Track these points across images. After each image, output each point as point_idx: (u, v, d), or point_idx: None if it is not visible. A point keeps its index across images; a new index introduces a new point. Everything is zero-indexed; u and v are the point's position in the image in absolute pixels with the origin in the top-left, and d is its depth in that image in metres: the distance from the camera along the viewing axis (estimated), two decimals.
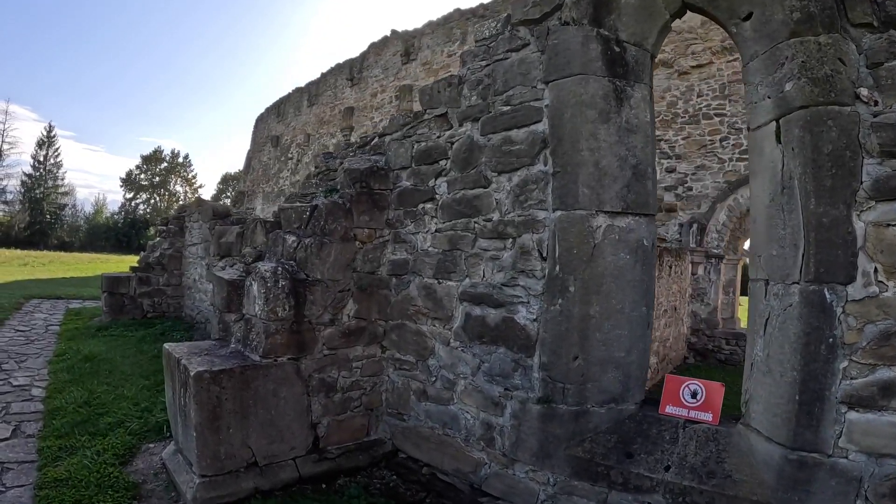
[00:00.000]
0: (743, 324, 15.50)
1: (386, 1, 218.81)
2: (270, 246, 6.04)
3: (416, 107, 19.30)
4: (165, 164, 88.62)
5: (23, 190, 70.07)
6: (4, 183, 69.32)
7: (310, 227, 5.75)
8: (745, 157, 13.77)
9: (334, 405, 5.78)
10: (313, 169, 7.86)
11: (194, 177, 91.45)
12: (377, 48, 23.59)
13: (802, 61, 3.65)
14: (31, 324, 12.76)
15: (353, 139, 22.28)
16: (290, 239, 5.72)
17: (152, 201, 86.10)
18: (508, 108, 5.00)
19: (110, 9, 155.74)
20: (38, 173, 72.09)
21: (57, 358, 9.39)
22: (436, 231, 5.77)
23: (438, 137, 5.79)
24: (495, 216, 5.13)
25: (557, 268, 4.57)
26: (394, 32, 22.74)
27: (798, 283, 3.64)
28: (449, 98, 5.66)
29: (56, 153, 74.57)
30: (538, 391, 4.68)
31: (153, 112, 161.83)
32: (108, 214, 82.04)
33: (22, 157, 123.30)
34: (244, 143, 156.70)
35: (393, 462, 6.04)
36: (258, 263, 5.64)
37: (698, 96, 14.94)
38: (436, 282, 5.74)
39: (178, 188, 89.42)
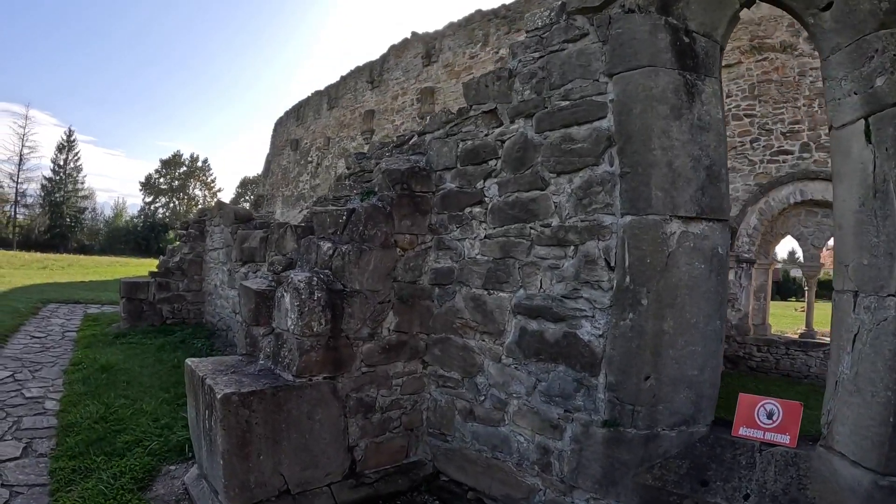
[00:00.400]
0: (774, 329, 15.14)
1: (404, 2, 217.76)
2: (302, 253, 5.57)
3: (439, 109, 18.77)
4: (185, 168, 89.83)
5: (43, 194, 71.32)
6: (25, 187, 70.53)
7: (346, 232, 5.30)
8: (776, 158, 13.48)
9: (373, 426, 5.31)
10: (344, 170, 7.41)
11: (213, 181, 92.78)
12: (397, 50, 23.20)
13: (895, 54, 3.24)
14: (47, 329, 12.40)
15: (373, 142, 21.98)
16: (325, 246, 5.24)
17: (171, 205, 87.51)
18: (567, 103, 4.55)
19: (128, 15, 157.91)
20: (58, 177, 73.21)
21: (73, 367, 8.97)
22: (485, 237, 5.29)
23: (486, 135, 5.34)
24: (554, 221, 4.65)
25: (628, 279, 4.10)
26: (414, 35, 22.36)
27: (894, 296, 3.21)
28: (498, 93, 5.20)
29: (76, 157, 75.84)
30: (603, 413, 4.23)
31: (172, 116, 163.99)
32: (128, 218, 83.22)
33: (42, 161, 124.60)
34: (263, 147, 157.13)
35: (434, 485, 5.58)
36: (290, 273, 5.15)
37: (727, 97, 14.39)
38: (485, 293, 5.25)
39: (198, 192, 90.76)
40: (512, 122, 5.07)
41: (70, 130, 78.41)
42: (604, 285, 4.27)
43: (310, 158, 29.89)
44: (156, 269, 13.36)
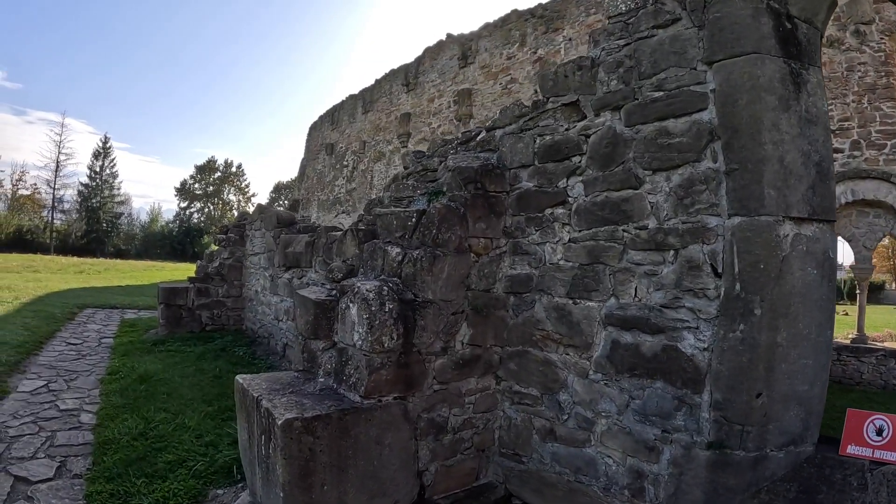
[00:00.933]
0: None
1: (438, 6, 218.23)
2: (366, 259, 5.08)
3: (476, 111, 18.76)
4: (219, 174, 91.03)
5: (79, 199, 72.64)
6: (62, 193, 71.70)
7: (417, 236, 4.81)
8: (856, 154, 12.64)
9: (443, 449, 4.80)
10: (401, 170, 6.92)
11: (247, 186, 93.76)
12: (432, 53, 22.76)
13: None
14: (83, 336, 12.02)
15: (410, 145, 22.13)
16: (394, 251, 4.75)
17: (206, 210, 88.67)
18: (661, 93, 4.14)
19: (163, 27, 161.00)
20: (94, 183, 74.40)
21: (109, 377, 8.53)
22: (570, 241, 4.77)
23: (567, 130, 4.87)
24: (651, 223, 4.18)
25: (738, 286, 3.67)
26: (449, 36, 21.91)
27: None
28: (580, 84, 4.74)
29: (112, 164, 76.89)
30: (708, 434, 3.80)
31: (206, 123, 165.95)
32: (164, 223, 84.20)
33: (78, 168, 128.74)
34: (295, 152, 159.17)
35: None
36: (356, 282, 4.62)
37: None
38: (570, 302, 4.73)
39: (232, 197, 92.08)
40: (597, 114, 4.63)
41: (106, 137, 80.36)
42: (709, 293, 3.84)
43: (345, 162, 29.55)
44: (193, 275, 12.96)
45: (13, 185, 70.63)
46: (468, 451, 5.03)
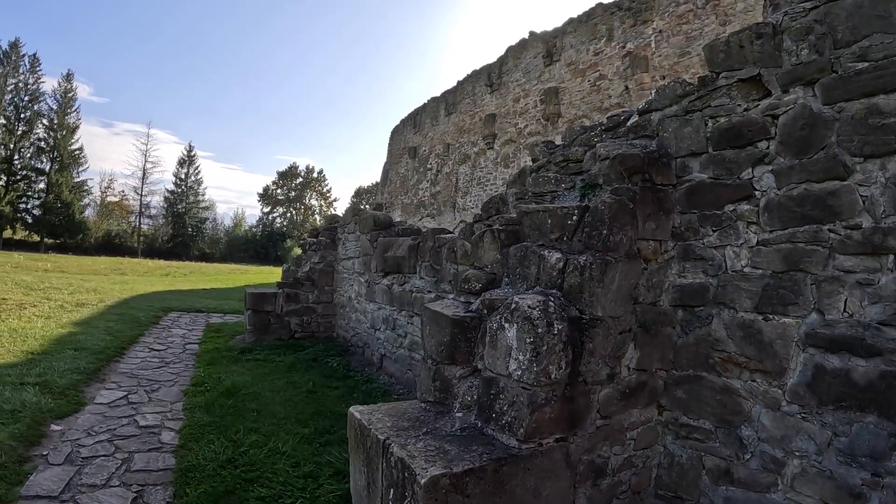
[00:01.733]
0: None
1: (517, 6, 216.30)
2: (514, 266, 4.26)
3: (565, 110, 17.86)
4: (300, 180, 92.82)
5: (165, 205, 76.26)
6: (148, 199, 76.00)
7: (579, 238, 3.99)
8: None
9: (601, 495, 3.98)
10: (529, 163, 6.11)
11: (328, 191, 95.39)
12: (515, 52, 21.96)
13: None
14: (167, 341, 11.56)
15: (496, 147, 21.70)
16: (553, 257, 3.92)
17: (288, 214, 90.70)
18: (866, 65, 3.44)
19: (242, 39, 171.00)
20: (179, 189, 77.62)
21: (194, 388, 7.91)
22: (758, 244, 3.90)
23: (747, 110, 4.04)
24: (865, 221, 3.42)
25: None
26: (532, 34, 21.08)
27: None
28: (760, 54, 3.93)
29: (196, 171, 79.91)
30: None
31: (287, 131, 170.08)
32: (247, 227, 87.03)
33: (164, 176, 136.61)
34: (376, 157, 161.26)
35: None
36: (512, 296, 3.79)
37: None
38: (759, 317, 3.86)
39: (314, 202, 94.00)
40: (785, 91, 3.84)
41: (190, 146, 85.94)
42: None
43: (429, 165, 29.07)
44: (279, 278, 12.42)
45: (102, 193, 74.92)
46: (624, 494, 4.19)
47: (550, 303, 3.54)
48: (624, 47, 16.43)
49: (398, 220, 27.25)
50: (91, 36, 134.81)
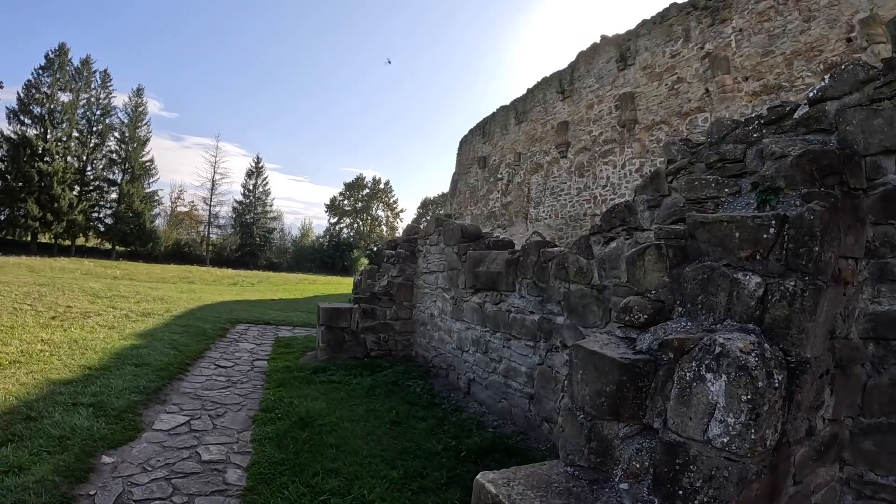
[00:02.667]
0: None
1: (589, 10, 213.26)
2: (695, 293, 3.30)
3: (641, 116, 17.61)
4: (367, 191, 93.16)
5: (234, 215, 77.42)
6: (217, 209, 77.42)
7: (777, 256, 3.08)
8: None
9: None
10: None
11: (395, 202, 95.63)
12: (587, 56, 21.15)
13: None
14: (234, 357, 10.84)
15: (569, 155, 21.10)
16: (751, 282, 2.98)
17: (355, 225, 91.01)
18: None
19: (307, 54, 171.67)
20: (248, 200, 78.59)
21: (263, 415, 7.07)
22: None
23: None
24: None
25: None
26: (604, 38, 20.36)
27: None
28: None
29: (264, 182, 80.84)
30: None
31: (352, 143, 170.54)
32: (314, 238, 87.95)
33: (232, 187, 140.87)
34: (442, 168, 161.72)
35: None
36: (718, 337, 2.76)
37: None
38: None
39: (380, 213, 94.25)
40: None
41: (258, 157, 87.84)
42: None
43: (499, 175, 28.23)
44: (348, 288, 11.67)
45: (172, 203, 77.11)
46: None
47: (766, 346, 2.60)
48: (702, 48, 15.71)
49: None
50: (160, 53, 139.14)
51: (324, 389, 8.40)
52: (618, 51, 19.11)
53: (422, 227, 11.49)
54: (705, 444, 2.63)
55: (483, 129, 30.78)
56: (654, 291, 3.60)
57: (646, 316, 3.38)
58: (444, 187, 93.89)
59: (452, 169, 37.26)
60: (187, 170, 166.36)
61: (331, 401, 7.75)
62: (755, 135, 4.14)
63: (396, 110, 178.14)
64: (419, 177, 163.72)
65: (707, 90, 15.14)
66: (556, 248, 6.57)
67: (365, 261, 76.97)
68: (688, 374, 2.76)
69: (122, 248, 62.37)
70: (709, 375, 2.66)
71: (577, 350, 3.36)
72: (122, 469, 5.27)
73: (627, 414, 3.01)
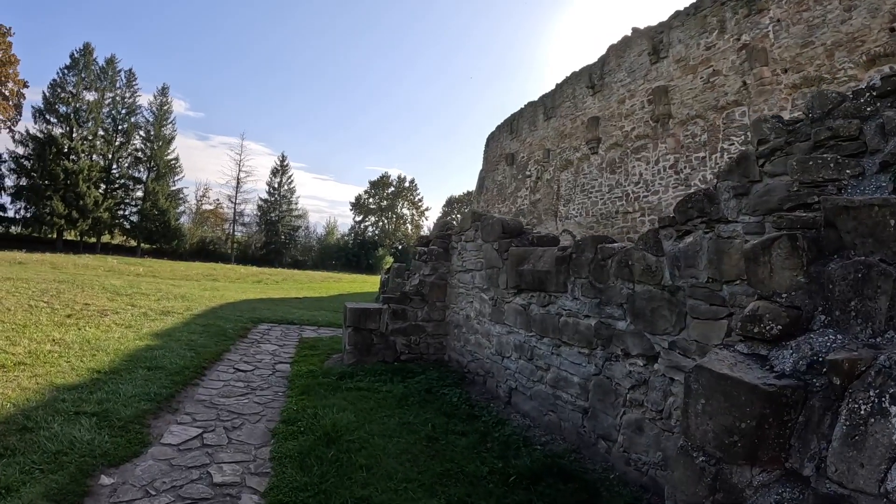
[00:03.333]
0: None
1: (622, 5, 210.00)
2: (846, 297, 2.65)
3: (675, 110, 17.20)
4: (392, 189, 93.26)
5: (259, 213, 77.87)
6: (242, 207, 77.92)
7: None
8: None
9: None
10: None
11: (420, 200, 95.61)
12: (618, 50, 20.67)
13: None
14: (255, 359, 10.16)
15: (600, 151, 20.71)
16: None
17: (380, 223, 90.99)
18: None
19: (333, 55, 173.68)
20: (273, 198, 79.04)
21: (285, 428, 6.33)
22: None
23: None
24: None
25: None
26: (635, 31, 19.85)
27: None
28: None
29: (289, 180, 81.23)
30: None
31: (376, 142, 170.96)
32: (339, 236, 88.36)
33: (257, 185, 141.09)
34: (467, 166, 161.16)
35: None
36: (880, 349, 2.02)
37: None
38: None
39: (405, 211, 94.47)
40: None
41: (283, 156, 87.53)
42: None
43: (528, 172, 27.74)
44: (374, 286, 11.02)
45: (197, 201, 77.90)
46: None
47: None
48: (738, 39, 15.29)
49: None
50: (186, 53, 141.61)
51: (351, 398, 7.65)
52: (650, 44, 18.71)
53: (454, 222, 10.73)
54: (880, 497, 1.90)
55: (511, 126, 30.29)
56: (784, 295, 2.83)
57: (780, 327, 2.64)
58: (470, 186, 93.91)
59: (478, 168, 36.74)
60: (213, 168, 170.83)
61: (359, 411, 7.02)
62: (869, 108, 3.40)
63: (422, 108, 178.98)
64: (445, 175, 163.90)
65: (744, 83, 14.77)
66: (615, 244, 5.81)
67: (390, 259, 77.02)
68: (863, 407, 2.03)
69: (147, 246, 62.79)
70: (894, 409, 1.92)
71: (699, 373, 2.62)
72: (121, 492, 4.59)
73: (766, 457, 2.29)
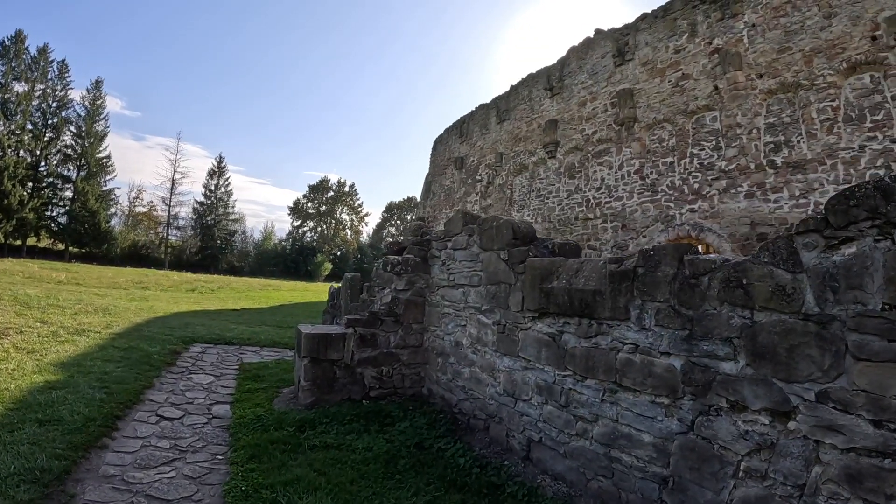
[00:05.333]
0: None
1: (577, 13, 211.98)
2: None
3: (641, 113, 17.07)
4: (332, 194, 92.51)
5: (194, 217, 75.31)
6: (177, 210, 75.30)
7: None
8: None
9: None
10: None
11: (360, 205, 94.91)
12: (579, 52, 20.38)
13: None
14: (186, 398, 8.13)
15: (558, 156, 20.20)
16: None
17: (319, 229, 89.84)
18: None
19: (264, 52, 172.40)
20: (209, 201, 76.62)
21: None
22: None
23: None
24: None
25: None
26: (599, 32, 19.63)
27: None
28: None
29: (226, 182, 78.95)
30: None
31: (316, 147, 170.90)
32: (277, 241, 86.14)
33: (193, 188, 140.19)
34: (408, 171, 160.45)
35: None
36: None
37: None
38: None
39: (345, 216, 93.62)
40: None
41: (221, 157, 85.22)
42: None
43: (478, 177, 26.96)
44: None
45: (130, 203, 74.47)
46: None
47: None
48: (710, 43, 15.29)
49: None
50: (123, 50, 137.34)
51: (320, 464, 5.64)
52: (614, 45, 18.61)
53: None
54: None
55: (460, 129, 29.41)
56: None
57: None
58: (411, 192, 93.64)
59: (421, 173, 36.08)
60: (149, 170, 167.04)
61: (336, 489, 5.04)
62: None
63: (362, 113, 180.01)
64: (385, 181, 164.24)
65: (716, 87, 14.78)
66: (712, 255, 4.16)
67: (329, 265, 75.73)
68: None
69: (76, 250, 59.86)
70: None
71: None
72: None
73: None
